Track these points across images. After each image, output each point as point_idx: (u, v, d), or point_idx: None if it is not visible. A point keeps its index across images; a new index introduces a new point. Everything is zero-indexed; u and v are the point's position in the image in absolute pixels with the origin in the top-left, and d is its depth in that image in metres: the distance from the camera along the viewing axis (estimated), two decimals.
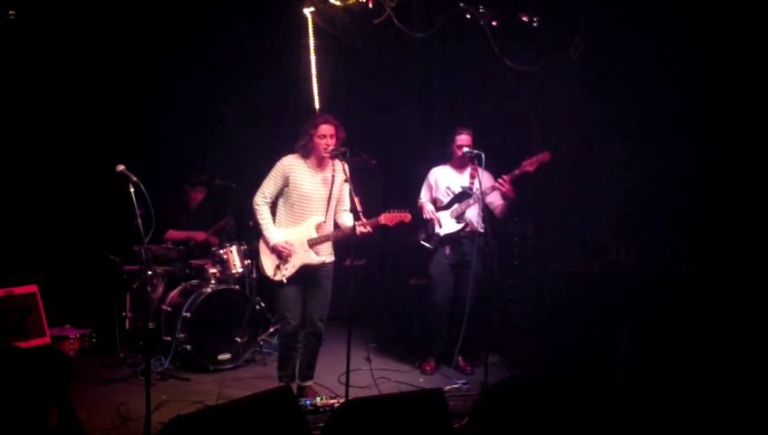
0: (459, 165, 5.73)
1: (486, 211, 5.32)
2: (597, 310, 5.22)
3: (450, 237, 5.63)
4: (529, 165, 5.42)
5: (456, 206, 5.64)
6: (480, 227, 5.52)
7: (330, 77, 6.45)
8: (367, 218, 4.69)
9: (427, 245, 5.67)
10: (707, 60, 5.34)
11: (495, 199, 5.58)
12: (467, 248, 5.64)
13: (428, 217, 5.61)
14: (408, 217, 4.83)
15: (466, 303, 5.48)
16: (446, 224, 5.63)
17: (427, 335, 5.87)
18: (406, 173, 5.94)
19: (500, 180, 5.41)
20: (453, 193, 5.68)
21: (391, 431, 3.19)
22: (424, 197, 5.80)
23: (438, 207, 5.72)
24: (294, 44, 6.28)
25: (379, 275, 7.26)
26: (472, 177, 5.67)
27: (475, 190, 5.58)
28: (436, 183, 5.76)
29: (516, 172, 5.42)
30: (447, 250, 5.65)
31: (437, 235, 5.63)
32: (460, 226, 5.63)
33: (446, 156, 5.79)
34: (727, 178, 5.21)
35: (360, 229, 4.63)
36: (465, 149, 5.49)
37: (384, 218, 4.74)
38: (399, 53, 6.81)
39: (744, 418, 4.16)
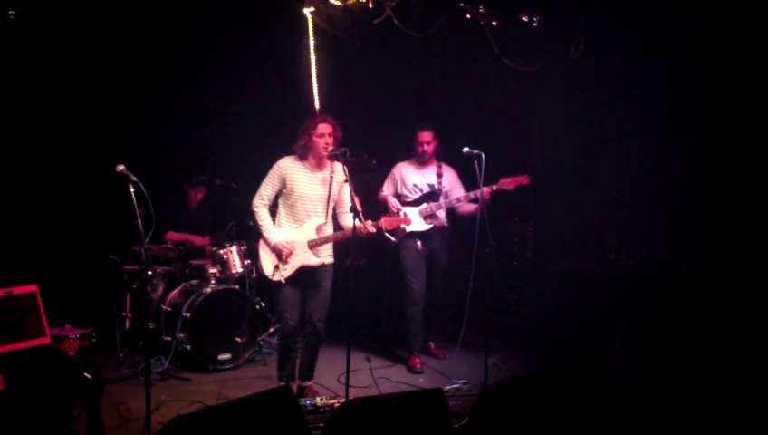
0: (421, 162, 5.89)
1: (485, 213, 5.31)
2: (597, 310, 5.22)
3: (416, 234, 5.78)
4: (507, 184, 5.60)
5: (425, 205, 5.79)
6: (445, 221, 5.89)
7: (330, 77, 6.45)
8: (367, 219, 4.71)
9: (392, 238, 5.76)
10: (707, 60, 5.34)
11: (464, 202, 5.76)
12: (436, 244, 5.86)
13: (392, 208, 5.74)
14: (408, 221, 5.09)
15: (436, 294, 5.94)
16: (414, 221, 5.73)
17: (409, 331, 5.91)
18: None
19: (483, 190, 5.43)
20: (420, 190, 5.83)
21: (391, 431, 3.19)
22: (387, 190, 5.96)
23: (404, 202, 5.86)
24: (294, 44, 6.27)
25: (379, 275, 7.25)
26: (439, 175, 5.85)
27: (444, 190, 5.83)
28: (401, 179, 5.90)
29: (494, 188, 5.56)
30: (419, 245, 5.78)
31: (403, 230, 5.74)
32: (428, 226, 5.80)
33: (411, 152, 5.93)
34: (727, 178, 5.21)
35: (366, 229, 4.65)
36: (466, 149, 5.48)
37: (385, 222, 4.83)
38: (399, 53, 6.81)
39: (744, 418, 4.16)
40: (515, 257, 6.99)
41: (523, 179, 5.62)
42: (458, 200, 5.71)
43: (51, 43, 5.94)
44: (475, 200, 5.60)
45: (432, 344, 6.16)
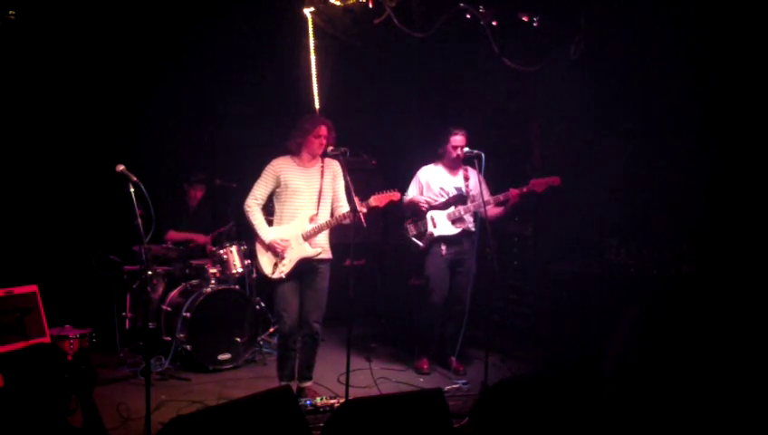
0: (452, 166, 5.70)
1: (486, 213, 5.30)
2: (597, 310, 5.22)
3: (444, 238, 5.61)
4: (538, 186, 5.42)
5: (452, 209, 5.60)
6: (471, 226, 5.63)
7: (330, 77, 6.45)
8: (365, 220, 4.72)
9: (419, 243, 5.62)
10: (707, 60, 5.34)
11: (493, 205, 5.52)
12: (463, 247, 5.63)
13: (422, 206, 5.55)
14: (396, 195, 4.96)
15: (464, 303, 5.54)
16: (442, 225, 5.60)
17: (423, 335, 5.87)
18: (406, 173, 5.93)
19: (511, 192, 5.39)
20: (447, 194, 5.65)
21: (391, 431, 3.18)
22: (411, 195, 5.72)
23: (432, 206, 5.66)
24: (294, 44, 6.27)
25: (379, 275, 7.25)
26: (465, 178, 5.68)
27: (471, 193, 5.60)
28: (427, 183, 5.71)
29: (524, 190, 5.41)
30: (443, 250, 5.60)
31: (431, 234, 5.59)
32: (458, 230, 5.60)
33: (437, 155, 5.75)
34: (727, 179, 5.21)
35: (360, 210, 4.67)
36: (466, 149, 5.47)
37: (374, 200, 4.83)
38: (399, 53, 6.81)
39: (744, 417, 4.16)
40: (515, 257, 6.98)
41: (554, 181, 5.43)
42: (487, 203, 5.38)
43: (51, 43, 5.94)
44: (503, 202, 5.47)
45: (454, 359, 5.73)
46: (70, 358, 2.98)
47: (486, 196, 5.54)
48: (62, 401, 2.84)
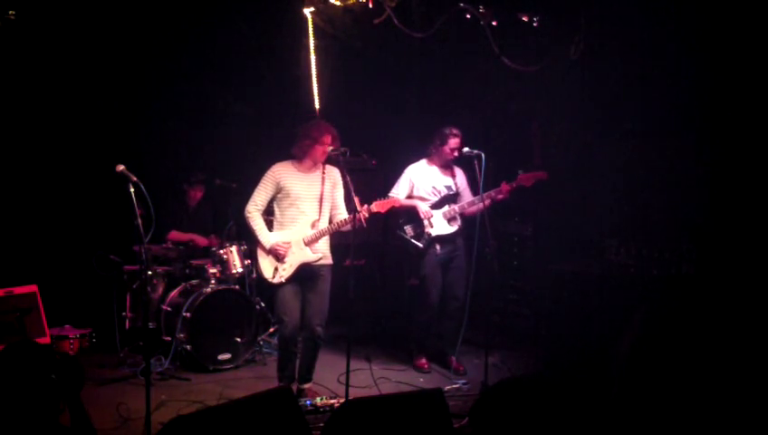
0: (445, 165, 5.72)
1: (486, 213, 5.30)
2: (597, 310, 5.22)
3: (440, 238, 5.63)
4: (526, 180, 5.48)
5: (447, 208, 5.64)
6: (461, 223, 5.69)
7: (330, 77, 6.45)
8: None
9: (418, 244, 5.63)
10: (707, 60, 5.35)
11: (485, 200, 5.54)
12: (455, 245, 5.69)
13: (423, 216, 5.57)
14: (398, 201, 5.07)
15: (460, 299, 5.60)
16: (438, 225, 5.62)
17: (421, 334, 5.88)
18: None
19: (503, 187, 5.42)
20: (439, 193, 5.67)
21: (391, 431, 3.18)
22: (400, 193, 5.67)
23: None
24: (294, 44, 6.27)
25: (378, 275, 7.25)
26: (453, 176, 5.72)
27: (459, 192, 5.67)
28: (417, 182, 5.70)
29: (514, 185, 5.45)
30: (438, 249, 5.63)
31: (428, 234, 5.61)
32: (454, 228, 5.65)
33: (426, 153, 5.75)
34: (727, 178, 5.21)
35: (361, 214, 4.68)
36: (466, 149, 5.47)
37: (376, 206, 4.83)
38: (399, 53, 6.81)
39: (744, 418, 4.15)
40: (515, 257, 6.98)
41: (541, 175, 5.50)
42: (480, 199, 5.35)
43: (51, 43, 5.94)
44: (493, 197, 5.49)
45: (454, 359, 5.74)
46: (58, 357, 2.97)
47: (470, 194, 5.65)
48: (51, 399, 2.84)
